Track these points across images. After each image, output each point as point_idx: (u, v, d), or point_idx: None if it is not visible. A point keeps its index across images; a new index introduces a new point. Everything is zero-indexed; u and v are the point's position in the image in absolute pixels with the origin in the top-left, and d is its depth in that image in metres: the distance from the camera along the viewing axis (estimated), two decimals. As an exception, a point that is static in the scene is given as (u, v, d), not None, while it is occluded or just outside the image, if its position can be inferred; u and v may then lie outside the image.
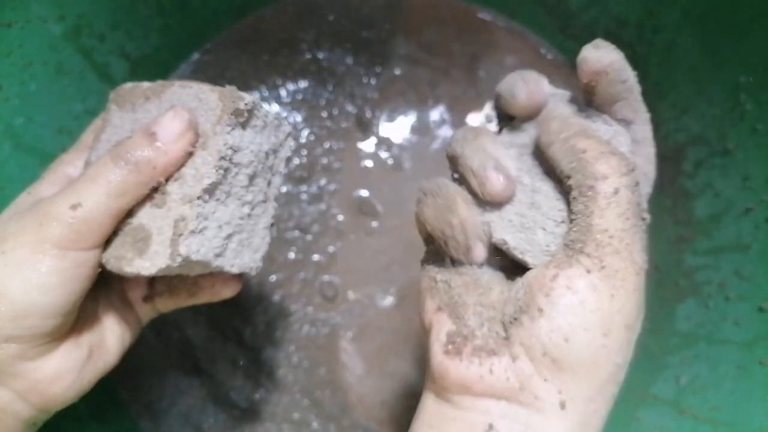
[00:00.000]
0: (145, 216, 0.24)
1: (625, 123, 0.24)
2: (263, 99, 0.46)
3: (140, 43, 0.42)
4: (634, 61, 0.44)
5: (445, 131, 0.46)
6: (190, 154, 0.24)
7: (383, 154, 0.46)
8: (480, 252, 0.23)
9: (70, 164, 0.28)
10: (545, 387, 0.21)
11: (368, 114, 0.46)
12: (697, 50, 0.38)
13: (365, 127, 0.46)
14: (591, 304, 0.20)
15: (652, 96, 0.42)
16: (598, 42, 0.23)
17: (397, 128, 0.46)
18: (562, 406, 0.21)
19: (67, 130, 0.39)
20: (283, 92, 0.47)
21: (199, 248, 0.24)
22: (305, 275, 0.44)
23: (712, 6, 0.36)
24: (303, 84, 0.47)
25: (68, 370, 0.25)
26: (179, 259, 0.23)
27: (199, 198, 0.24)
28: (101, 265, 0.25)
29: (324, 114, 0.46)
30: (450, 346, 0.22)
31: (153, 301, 0.30)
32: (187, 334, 0.43)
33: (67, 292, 0.23)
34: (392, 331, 0.43)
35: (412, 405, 0.42)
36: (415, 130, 0.46)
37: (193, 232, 0.23)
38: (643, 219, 0.22)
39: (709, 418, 0.34)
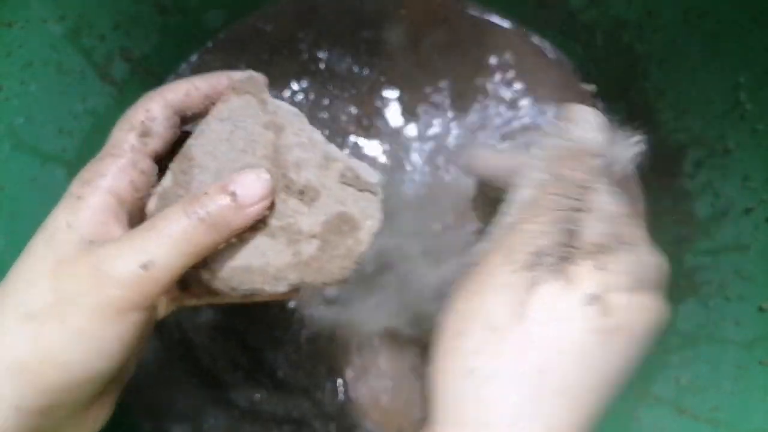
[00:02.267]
0: (256, 243, 0.24)
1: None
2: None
3: (140, 43, 0.42)
4: (634, 61, 0.44)
5: (446, 131, 0.46)
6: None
7: (383, 155, 0.46)
8: None
9: (109, 176, 0.24)
10: None
11: (368, 114, 0.46)
12: (697, 50, 0.38)
13: (366, 128, 0.46)
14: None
15: (652, 96, 0.43)
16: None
17: (398, 128, 0.46)
18: None
19: (67, 130, 0.39)
20: (283, 92, 0.47)
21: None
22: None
23: (712, 6, 0.36)
24: (303, 84, 0.47)
25: (108, 411, 0.25)
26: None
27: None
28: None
29: (324, 114, 0.46)
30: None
31: (182, 300, 0.29)
32: (187, 334, 0.43)
33: (125, 352, 0.22)
34: (395, 335, 0.43)
35: (413, 405, 0.42)
36: (415, 130, 0.46)
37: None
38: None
39: (709, 418, 0.34)
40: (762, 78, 0.34)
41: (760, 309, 0.33)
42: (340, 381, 0.43)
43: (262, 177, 0.23)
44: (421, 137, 0.46)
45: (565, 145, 0.22)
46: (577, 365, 0.19)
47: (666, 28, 0.40)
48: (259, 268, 0.24)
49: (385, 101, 0.46)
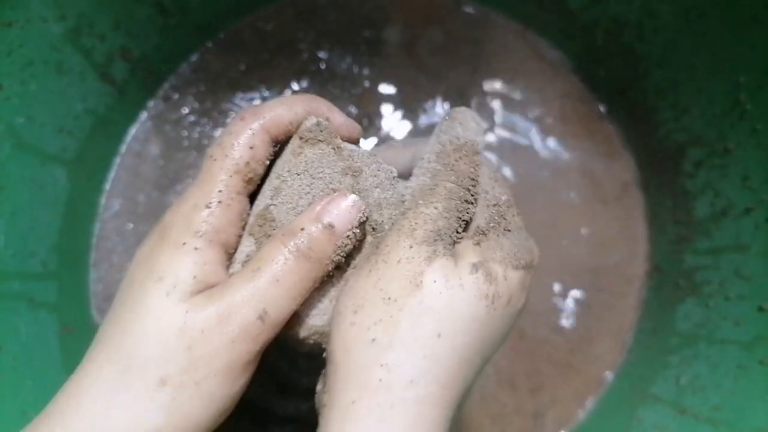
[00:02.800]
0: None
1: None
2: (263, 99, 0.46)
3: (140, 43, 0.42)
4: (634, 61, 0.44)
5: (445, 131, 0.46)
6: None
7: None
8: None
9: (223, 233, 0.23)
10: (320, 394, 0.23)
11: (369, 114, 0.46)
12: (697, 50, 0.38)
13: (365, 127, 0.46)
14: (346, 288, 0.22)
15: (652, 96, 0.43)
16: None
17: (398, 128, 0.46)
18: (323, 404, 0.22)
19: (67, 129, 0.39)
20: (283, 92, 0.47)
21: None
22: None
23: (712, 6, 0.36)
24: (303, 84, 0.47)
25: None
26: None
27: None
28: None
29: (324, 114, 0.46)
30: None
31: None
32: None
33: (237, 401, 0.23)
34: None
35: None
36: (415, 129, 0.46)
37: None
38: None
39: (709, 418, 0.34)
40: (762, 78, 0.34)
41: (760, 309, 0.33)
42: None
43: (351, 198, 0.23)
44: (422, 137, 0.46)
45: (455, 142, 0.24)
46: (470, 327, 0.21)
47: (666, 28, 0.40)
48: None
49: (385, 101, 0.46)
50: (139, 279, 0.22)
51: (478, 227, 0.23)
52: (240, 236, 0.23)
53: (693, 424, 0.35)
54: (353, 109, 0.46)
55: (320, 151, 0.24)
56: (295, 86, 0.47)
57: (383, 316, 0.21)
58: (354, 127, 0.26)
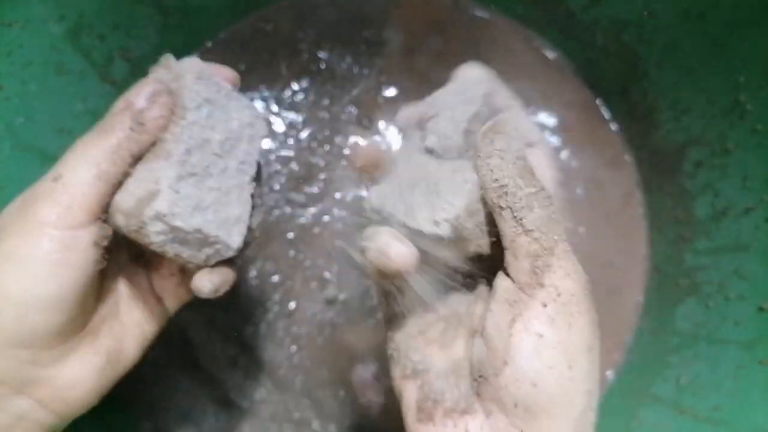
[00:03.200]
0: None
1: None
2: (263, 99, 0.46)
3: (140, 43, 0.42)
4: (634, 61, 0.44)
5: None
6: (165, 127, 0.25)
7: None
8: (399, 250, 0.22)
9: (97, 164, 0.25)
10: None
11: (369, 114, 0.46)
12: (697, 50, 0.38)
13: (366, 127, 0.46)
14: (551, 340, 0.20)
15: (652, 96, 0.43)
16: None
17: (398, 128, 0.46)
18: None
19: (67, 129, 0.39)
20: (283, 92, 0.47)
21: (172, 208, 0.24)
22: (306, 275, 0.44)
23: (712, 6, 0.36)
24: (303, 84, 0.47)
25: (87, 375, 0.24)
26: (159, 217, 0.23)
27: (177, 162, 0.24)
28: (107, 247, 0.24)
29: (325, 114, 0.46)
30: (421, 414, 0.22)
31: (178, 294, 0.29)
32: (187, 334, 0.43)
33: (62, 280, 0.22)
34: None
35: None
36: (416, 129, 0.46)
37: (171, 191, 0.24)
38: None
39: (709, 418, 0.34)
40: (762, 78, 0.34)
41: (760, 309, 0.33)
42: (340, 381, 0.43)
43: (154, 85, 0.25)
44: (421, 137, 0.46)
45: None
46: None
47: (666, 28, 0.40)
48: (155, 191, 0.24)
49: (385, 101, 0.46)
50: None
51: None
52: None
53: (693, 424, 0.35)
54: (353, 109, 0.46)
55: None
56: (295, 86, 0.47)
57: (589, 366, 0.21)
58: (229, 76, 0.29)
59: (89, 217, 0.23)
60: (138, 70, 0.43)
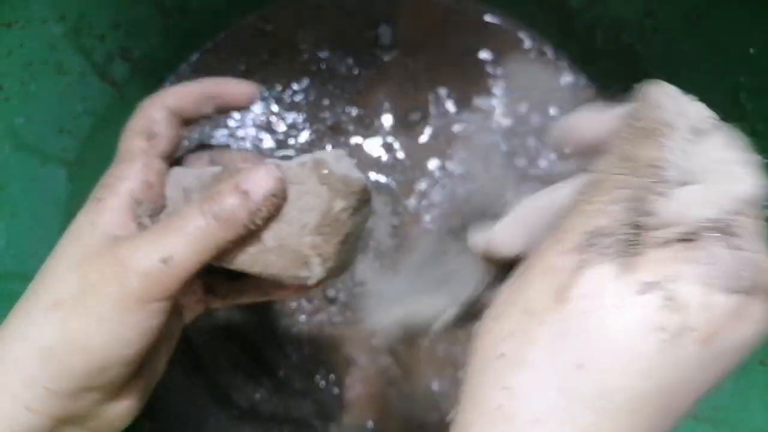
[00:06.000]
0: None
1: None
2: (263, 99, 0.46)
3: (140, 43, 0.42)
4: (634, 61, 0.44)
5: (446, 130, 0.46)
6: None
7: (385, 154, 0.46)
8: None
9: (126, 180, 0.26)
10: None
11: (369, 114, 0.46)
12: (697, 50, 0.38)
13: (366, 127, 0.46)
14: None
15: (652, 96, 0.43)
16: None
17: (399, 128, 0.46)
18: (453, 422, 0.19)
19: (67, 130, 0.39)
20: (283, 92, 0.47)
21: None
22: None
23: (712, 6, 0.36)
24: (303, 84, 0.47)
25: (135, 405, 0.26)
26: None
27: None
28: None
29: (325, 114, 0.46)
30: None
31: (209, 303, 0.30)
32: (187, 333, 0.43)
33: (145, 341, 0.24)
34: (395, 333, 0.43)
35: (414, 406, 0.42)
36: (416, 130, 0.46)
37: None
38: None
39: (709, 418, 0.34)
40: (762, 78, 0.34)
41: (760, 309, 0.33)
42: (340, 381, 0.43)
43: (271, 172, 0.24)
44: (421, 137, 0.46)
45: (635, 123, 0.18)
46: (626, 368, 0.16)
47: (666, 28, 0.40)
48: (276, 248, 0.24)
49: (385, 101, 0.46)
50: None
51: (686, 223, 0.16)
52: (152, 188, 0.26)
53: (693, 424, 0.35)
54: (353, 110, 0.46)
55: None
56: (295, 86, 0.47)
57: (517, 328, 0.17)
58: (247, 92, 0.29)
59: (179, 291, 0.24)
60: (138, 70, 0.43)
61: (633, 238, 0.17)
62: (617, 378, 0.16)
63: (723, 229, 0.16)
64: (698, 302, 0.16)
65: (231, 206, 0.23)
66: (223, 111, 0.30)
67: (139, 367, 0.25)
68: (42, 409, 0.23)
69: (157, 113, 0.27)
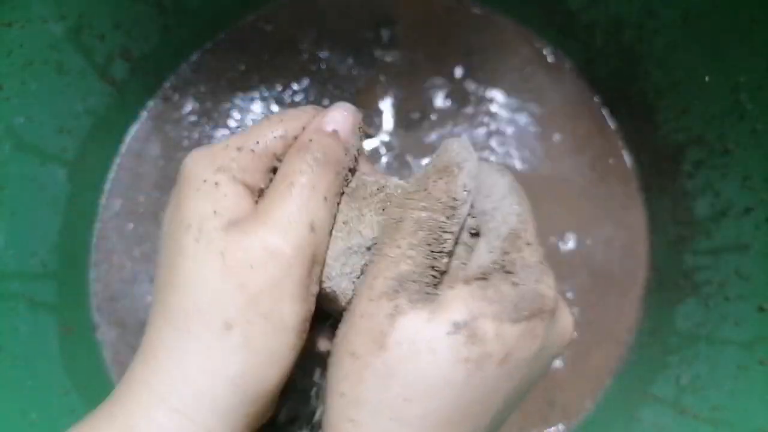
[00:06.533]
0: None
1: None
2: (263, 99, 0.46)
3: (140, 43, 0.42)
4: (634, 61, 0.44)
5: (447, 131, 0.46)
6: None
7: (385, 154, 0.46)
8: None
9: (244, 169, 0.22)
10: None
11: (369, 114, 0.46)
12: (697, 50, 0.38)
13: (367, 127, 0.46)
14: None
15: (652, 96, 0.43)
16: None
17: (399, 128, 0.46)
18: None
19: (68, 129, 0.39)
20: (283, 92, 0.47)
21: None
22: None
23: (712, 6, 0.36)
24: (303, 84, 0.47)
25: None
26: None
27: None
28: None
29: (324, 114, 0.46)
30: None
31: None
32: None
33: (289, 369, 0.21)
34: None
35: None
36: (416, 129, 0.46)
37: None
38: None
39: (709, 418, 0.34)
40: (762, 78, 0.34)
41: (760, 309, 0.33)
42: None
43: (344, 105, 0.23)
44: (422, 136, 0.46)
45: (435, 165, 0.21)
46: (445, 395, 0.19)
47: (666, 28, 0.40)
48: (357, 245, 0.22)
49: (385, 101, 0.46)
50: (170, 232, 0.21)
51: (479, 266, 0.20)
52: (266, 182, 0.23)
53: (693, 424, 0.35)
54: (353, 109, 0.46)
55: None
56: (295, 86, 0.47)
57: (349, 371, 0.19)
58: (353, 121, 0.24)
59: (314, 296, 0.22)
60: (138, 70, 0.43)
61: (435, 281, 0.20)
62: (437, 403, 0.19)
63: (504, 268, 0.20)
64: (493, 333, 0.19)
65: (330, 147, 0.22)
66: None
67: None
68: None
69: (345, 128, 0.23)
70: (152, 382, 0.20)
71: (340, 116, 0.23)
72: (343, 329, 0.21)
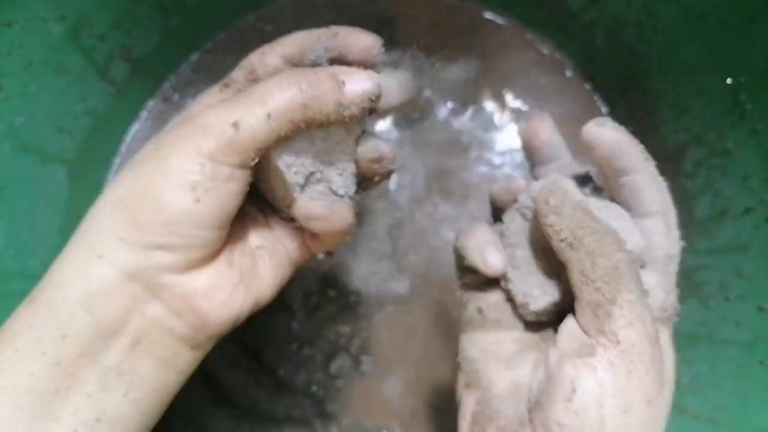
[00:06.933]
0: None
1: (630, 201, 0.25)
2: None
3: (140, 43, 0.42)
4: (634, 61, 0.44)
5: (447, 131, 0.46)
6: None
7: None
8: (494, 257, 0.25)
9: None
10: None
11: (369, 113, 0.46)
12: (697, 50, 0.38)
13: (367, 127, 0.46)
14: (608, 383, 0.20)
15: (652, 96, 0.43)
16: (601, 120, 0.24)
17: (399, 127, 0.46)
18: None
19: (68, 129, 0.39)
20: (283, 92, 0.47)
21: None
22: (305, 273, 0.44)
23: (712, 6, 0.36)
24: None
25: (219, 286, 0.25)
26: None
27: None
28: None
29: (324, 114, 0.46)
30: (474, 426, 0.23)
31: (311, 245, 0.30)
32: (187, 334, 0.43)
33: (217, 204, 0.23)
34: (397, 330, 0.43)
35: (414, 406, 0.42)
36: (416, 128, 0.46)
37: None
38: (670, 309, 0.24)
39: (709, 418, 0.34)
40: (762, 78, 0.34)
41: (760, 309, 0.33)
42: (340, 381, 0.43)
43: (373, 77, 0.24)
44: (422, 136, 0.46)
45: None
46: None
47: (666, 28, 0.40)
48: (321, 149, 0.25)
49: (385, 101, 0.46)
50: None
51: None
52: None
53: (693, 424, 0.35)
54: (353, 109, 0.46)
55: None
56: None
57: (648, 418, 0.21)
58: (368, 44, 0.27)
59: (251, 162, 0.23)
60: (138, 70, 0.43)
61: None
62: None
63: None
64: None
65: (323, 87, 0.23)
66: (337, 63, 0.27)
67: (220, 251, 0.25)
68: (114, 260, 0.22)
69: (270, 59, 0.27)
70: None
71: (361, 77, 0.24)
72: (632, 380, 0.21)
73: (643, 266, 0.24)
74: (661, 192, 0.25)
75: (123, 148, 0.45)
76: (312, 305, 0.43)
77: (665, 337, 0.23)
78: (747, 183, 0.35)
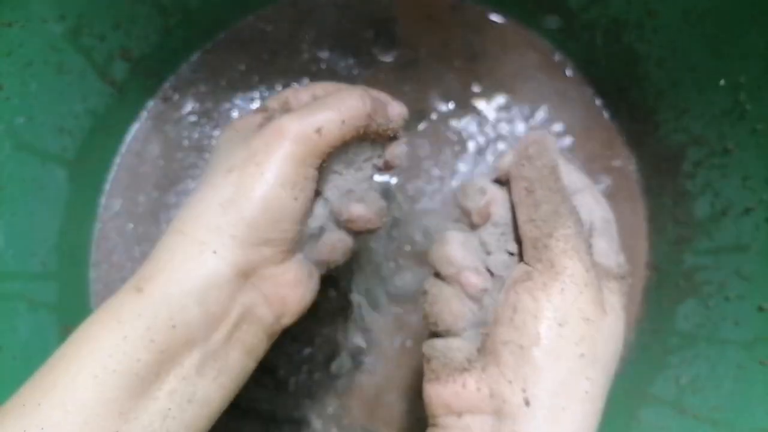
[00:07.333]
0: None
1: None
2: (263, 99, 0.46)
3: (140, 43, 0.42)
4: (634, 61, 0.44)
5: (446, 131, 0.46)
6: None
7: (383, 154, 0.46)
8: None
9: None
10: (510, 388, 0.22)
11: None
12: (697, 50, 0.38)
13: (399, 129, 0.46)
14: (542, 299, 0.23)
15: (652, 96, 0.43)
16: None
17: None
18: (527, 402, 0.22)
19: (68, 129, 0.39)
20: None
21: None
22: (305, 275, 0.44)
23: (712, 6, 0.36)
24: (303, 84, 0.47)
25: (301, 279, 0.28)
26: None
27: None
28: None
29: (324, 114, 0.46)
30: (431, 374, 0.25)
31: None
32: (187, 334, 0.43)
33: (308, 200, 0.27)
34: (397, 330, 0.43)
35: (413, 406, 0.42)
36: (415, 128, 0.46)
37: None
38: (619, 268, 0.25)
39: (709, 418, 0.34)
40: (762, 78, 0.34)
41: (760, 309, 0.33)
42: (340, 381, 0.43)
43: (403, 108, 0.31)
44: (422, 136, 0.46)
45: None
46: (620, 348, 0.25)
47: (666, 28, 0.40)
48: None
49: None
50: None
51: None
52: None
53: (693, 424, 0.35)
54: (353, 109, 0.46)
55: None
56: (295, 86, 0.46)
57: (586, 334, 0.23)
58: (401, 113, 0.32)
59: (322, 162, 0.27)
60: (138, 70, 0.43)
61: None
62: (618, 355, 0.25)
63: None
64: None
65: (379, 103, 0.29)
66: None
67: (299, 243, 0.28)
68: (227, 255, 0.25)
69: (302, 96, 0.31)
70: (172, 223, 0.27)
71: (398, 104, 0.31)
72: (566, 296, 0.23)
73: (591, 236, 0.26)
74: (579, 172, 0.28)
75: (123, 148, 0.45)
76: (312, 305, 0.43)
77: (615, 286, 0.25)
78: (747, 183, 0.36)
